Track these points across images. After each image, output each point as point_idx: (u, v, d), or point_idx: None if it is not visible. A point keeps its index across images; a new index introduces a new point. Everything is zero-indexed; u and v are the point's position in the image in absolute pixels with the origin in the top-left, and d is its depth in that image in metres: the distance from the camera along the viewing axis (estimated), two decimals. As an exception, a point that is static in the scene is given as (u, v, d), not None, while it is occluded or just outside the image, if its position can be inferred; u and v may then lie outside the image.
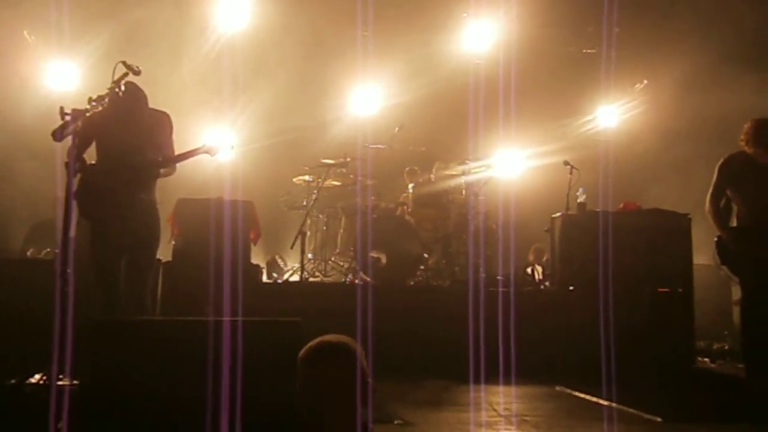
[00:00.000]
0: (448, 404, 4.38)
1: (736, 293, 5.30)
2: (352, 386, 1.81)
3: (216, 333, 2.90)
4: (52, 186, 4.58)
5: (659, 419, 4.00)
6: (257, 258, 6.95)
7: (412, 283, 6.86)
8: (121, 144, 4.32)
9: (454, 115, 8.35)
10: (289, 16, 8.34)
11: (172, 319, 4.79)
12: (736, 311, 6.05)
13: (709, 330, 7.00)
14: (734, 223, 4.63)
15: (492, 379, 4.64)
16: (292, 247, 7.00)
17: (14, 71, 7.70)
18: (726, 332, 7.00)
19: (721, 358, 6.54)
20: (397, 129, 7.90)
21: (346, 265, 7.08)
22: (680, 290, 6.20)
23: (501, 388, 4.68)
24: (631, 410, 4.19)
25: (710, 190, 4.64)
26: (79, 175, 4.24)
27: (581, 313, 5.63)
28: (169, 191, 5.51)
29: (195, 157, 4.60)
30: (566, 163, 6.87)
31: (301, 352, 1.84)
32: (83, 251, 4.38)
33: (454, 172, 7.53)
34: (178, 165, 4.57)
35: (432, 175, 7.74)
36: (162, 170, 4.48)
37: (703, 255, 6.48)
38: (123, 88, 3.99)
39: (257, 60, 8.44)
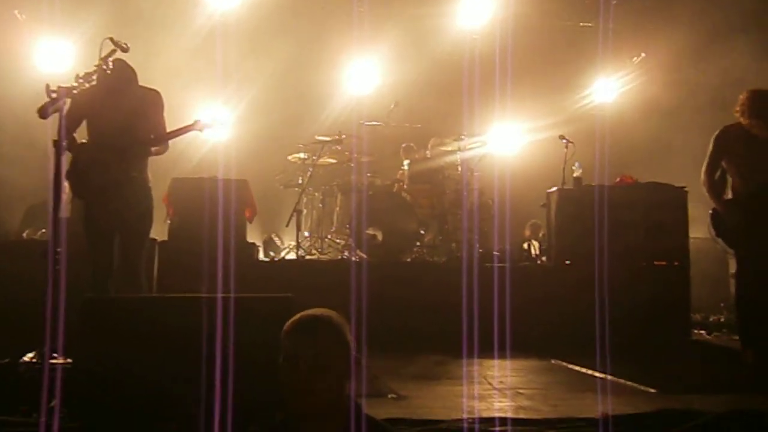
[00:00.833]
0: (442, 378, 4.39)
1: (733, 266, 5.30)
2: (334, 360, 1.80)
3: (208, 309, 2.91)
4: (47, 167, 4.56)
5: (653, 390, 4.02)
6: (253, 237, 6.94)
7: (408, 259, 6.87)
8: (111, 122, 4.29)
9: (450, 92, 8.29)
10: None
11: (163, 296, 4.83)
12: (732, 284, 6.07)
13: (706, 302, 7.03)
14: (729, 195, 4.61)
15: (487, 353, 4.64)
16: (287, 225, 7.00)
17: (5, 50, 7.62)
18: (722, 305, 7.04)
19: (717, 331, 6.57)
20: (392, 106, 7.86)
21: (343, 243, 7.08)
22: (677, 263, 6.22)
23: (496, 362, 4.70)
24: (626, 382, 4.21)
25: (705, 162, 4.61)
26: (70, 155, 4.23)
27: (577, 287, 5.64)
28: (163, 171, 5.49)
29: (189, 135, 4.58)
30: (562, 137, 6.85)
31: (285, 325, 1.84)
32: (78, 230, 4.39)
33: (449, 149, 7.50)
34: (171, 143, 4.55)
35: (428, 152, 7.71)
36: (154, 148, 4.46)
37: (700, 228, 6.48)
38: (111, 65, 3.95)
39: (251, 36, 8.35)
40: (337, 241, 7.29)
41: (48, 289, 3.11)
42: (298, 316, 1.86)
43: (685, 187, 6.25)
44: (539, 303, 5.73)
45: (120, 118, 4.29)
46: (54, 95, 3.38)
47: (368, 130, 7.81)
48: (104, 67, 3.88)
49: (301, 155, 7.47)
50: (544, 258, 7.18)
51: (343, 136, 7.15)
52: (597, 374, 4.41)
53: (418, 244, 7.08)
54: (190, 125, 4.47)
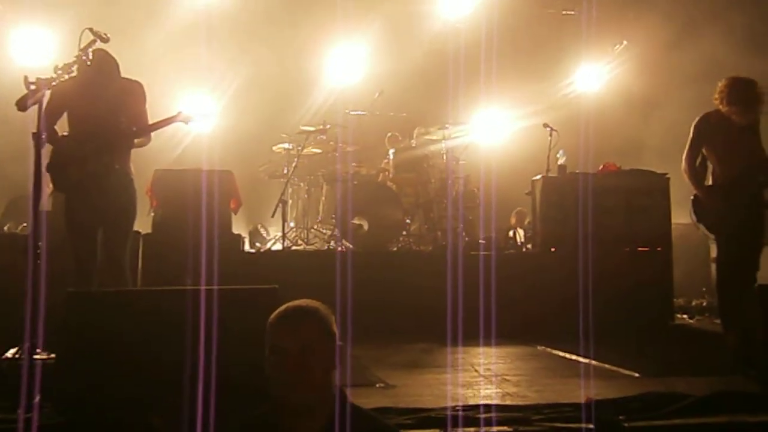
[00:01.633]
0: (429, 366, 4.42)
1: (714, 251, 5.36)
2: (320, 351, 1.80)
3: (193, 301, 2.90)
4: (29, 159, 4.50)
5: (637, 374, 4.07)
6: (239, 228, 6.91)
7: (394, 249, 6.88)
8: (92, 114, 4.23)
9: (435, 80, 8.29)
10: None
11: (147, 289, 4.80)
12: (714, 268, 6.14)
13: (688, 287, 7.12)
14: (709, 181, 4.65)
15: (473, 341, 4.68)
16: (273, 216, 6.97)
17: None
18: (704, 289, 7.13)
19: (699, 314, 6.67)
20: (377, 95, 7.84)
21: (329, 233, 7.07)
22: (659, 249, 6.29)
23: (482, 350, 4.74)
24: (610, 367, 4.27)
25: (686, 149, 4.64)
26: (51, 147, 4.18)
27: (562, 273, 5.68)
28: (147, 163, 5.44)
29: (172, 126, 4.53)
30: (546, 125, 6.87)
31: (270, 317, 1.83)
32: (59, 224, 4.35)
33: (434, 137, 7.50)
34: (154, 135, 4.51)
35: (413, 141, 7.70)
36: (137, 140, 4.41)
37: (683, 214, 6.54)
38: (91, 56, 3.89)
39: (235, 26, 8.28)
40: (323, 231, 7.28)
41: (28, 282, 3.07)
42: (283, 307, 1.85)
43: (667, 174, 6.31)
44: (525, 290, 5.77)
45: (101, 110, 4.23)
46: (33, 87, 3.32)
47: (353, 120, 7.79)
48: (84, 57, 3.82)
49: (286, 145, 7.44)
50: (529, 245, 7.22)
51: (328, 126, 7.13)
52: (581, 359, 4.47)
53: (403, 233, 7.09)
54: (173, 117, 4.42)
